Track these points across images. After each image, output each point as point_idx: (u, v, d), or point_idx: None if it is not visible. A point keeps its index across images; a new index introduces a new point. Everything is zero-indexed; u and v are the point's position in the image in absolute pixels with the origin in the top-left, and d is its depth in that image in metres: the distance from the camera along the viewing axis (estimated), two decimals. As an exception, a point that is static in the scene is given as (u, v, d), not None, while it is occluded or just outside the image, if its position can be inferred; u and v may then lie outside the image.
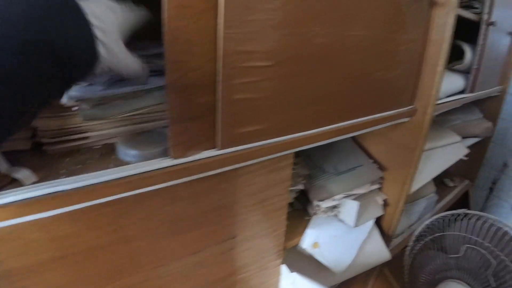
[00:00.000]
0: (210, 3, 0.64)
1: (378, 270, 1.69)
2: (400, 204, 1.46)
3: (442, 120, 2.10)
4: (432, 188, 2.01)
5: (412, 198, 1.87)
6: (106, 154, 0.72)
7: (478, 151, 2.37)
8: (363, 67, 1.01)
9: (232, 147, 0.77)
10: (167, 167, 0.69)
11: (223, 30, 0.66)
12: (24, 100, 0.46)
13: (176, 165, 0.70)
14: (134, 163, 0.68)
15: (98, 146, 0.76)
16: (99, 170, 0.64)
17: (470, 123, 2.16)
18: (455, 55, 1.69)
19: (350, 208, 1.29)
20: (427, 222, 1.50)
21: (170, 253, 0.84)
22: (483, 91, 1.86)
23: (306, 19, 0.79)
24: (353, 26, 0.92)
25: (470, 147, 2.03)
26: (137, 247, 0.76)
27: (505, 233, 1.37)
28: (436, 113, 1.33)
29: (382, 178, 1.48)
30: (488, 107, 2.28)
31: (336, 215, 1.35)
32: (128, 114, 0.73)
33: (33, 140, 0.70)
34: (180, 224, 0.82)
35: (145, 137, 0.76)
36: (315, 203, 1.28)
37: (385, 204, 1.51)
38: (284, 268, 1.21)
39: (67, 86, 0.55)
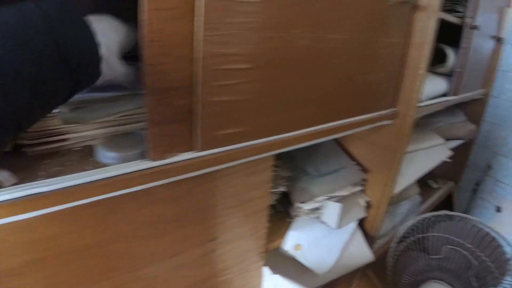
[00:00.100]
0: (188, 6, 0.64)
1: (362, 272, 1.71)
2: (383, 206, 1.48)
3: (426, 122, 2.13)
4: (416, 189, 2.04)
5: (396, 200, 1.89)
6: (85, 156, 0.73)
7: (462, 153, 2.40)
8: (344, 70, 1.02)
9: (211, 149, 0.78)
10: (145, 169, 0.69)
11: (203, 33, 0.66)
12: (36, 104, 0.49)
13: (155, 167, 0.71)
14: (113, 165, 0.68)
15: (78, 148, 0.76)
16: (78, 172, 0.65)
17: (453, 125, 2.19)
18: (439, 58, 1.71)
19: (332, 210, 1.31)
20: (409, 223, 1.52)
21: (150, 256, 0.85)
22: (466, 94, 1.88)
23: (287, 23, 0.80)
24: (334, 30, 0.93)
25: (454, 149, 2.06)
26: (116, 249, 0.77)
27: (486, 234, 1.39)
28: (418, 115, 1.35)
29: (364, 180, 1.50)
30: (471, 110, 2.31)
31: (318, 217, 1.36)
32: (107, 118, 0.74)
33: (13, 142, 0.70)
34: (160, 226, 0.82)
35: (125, 139, 0.77)
36: (297, 205, 1.29)
37: (368, 206, 1.53)
38: (266, 270, 1.22)
39: (70, 96, 0.58)
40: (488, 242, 1.37)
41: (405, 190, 1.66)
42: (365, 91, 1.15)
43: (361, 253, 1.49)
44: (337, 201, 1.33)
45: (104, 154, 0.71)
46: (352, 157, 1.54)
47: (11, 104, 0.44)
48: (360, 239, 1.49)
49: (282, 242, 1.27)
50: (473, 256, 1.37)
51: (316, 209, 1.34)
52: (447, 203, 2.51)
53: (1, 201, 0.56)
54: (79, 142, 0.76)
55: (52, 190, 0.60)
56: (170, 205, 0.81)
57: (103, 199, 0.66)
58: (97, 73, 0.59)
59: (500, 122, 2.61)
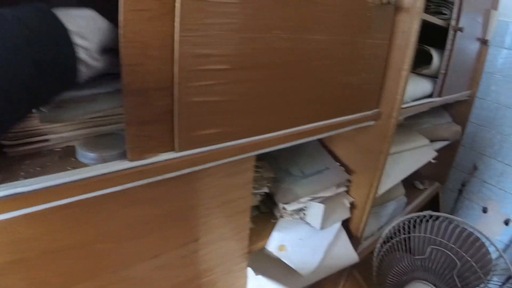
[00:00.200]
0: (167, 7, 0.65)
1: (348, 272, 1.72)
2: (368, 207, 1.49)
3: (412, 123, 2.15)
4: (402, 190, 2.06)
5: (381, 201, 1.91)
6: (65, 157, 0.73)
7: (448, 154, 2.42)
8: (326, 71, 1.04)
9: (190, 149, 0.79)
10: (124, 169, 0.70)
11: (179, 33, 0.67)
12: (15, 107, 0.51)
13: (134, 167, 0.71)
14: (93, 166, 0.69)
15: (59, 149, 0.77)
16: (58, 172, 0.65)
17: (439, 126, 2.21)
18: (424, 60, 1.73)
19: (315, 211, 1.32)
20: (393, 224, 1.53)
21: (130, 256, 0.85)
22: (452, 96, 1.90)
23: (266, 24, 0.82)
24: (316, 31, 0.94)
25: (439, 150, 2.08)
26: (97, 250, 0.78)
27: (470, 234, 1.40)
28: (402, 117, 1.37)
29: (349, 181, 1.51)
30: (457, 111, 2.34)
31: (302, 218, 1.37)
32: (86, 117, 0.75)
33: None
34: (141, 227, 0.83)
35: (105, 140, 0.78)
36: (281, 205, 1.31)
37: (353, 206, 1.54)
38: (249, 271, 1.23)
39: (47, 99, 0.60)
40: (472, 242, 1.38)
41: (390, 191, 1.68)
42: (348, 92, 1.16)
43: (346, 254, 1.50)
44: (321, 202, 1.34)
45: (85, 155, 0.72)
46: (336, 158, 1.55)
47: None
48: (344, 240, 1.51)
49: (266, 243, 1.28)
50: (457, 256, 1.38)
51: (300, 210, 1.35)
52: (433, 204, 2.53)
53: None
54: (60, 143, 0.77)
55: (33, 190, 0.60)
56: (151, 205, 0.82)
57: (84, 200, 0.67)
58: (73, 76, 0.61)
59: (485, 123, 2.65)
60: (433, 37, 1.65)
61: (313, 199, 1.35)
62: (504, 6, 2.12)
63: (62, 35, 0.56)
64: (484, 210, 2.78)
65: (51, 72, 0.54)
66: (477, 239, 1.39)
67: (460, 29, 1.58)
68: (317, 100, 1.05)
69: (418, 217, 1.51)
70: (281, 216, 1.34)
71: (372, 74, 1.23)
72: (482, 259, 1.35)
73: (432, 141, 2.08)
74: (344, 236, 1.52)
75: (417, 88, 1.62)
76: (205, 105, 0.77)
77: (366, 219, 1.54)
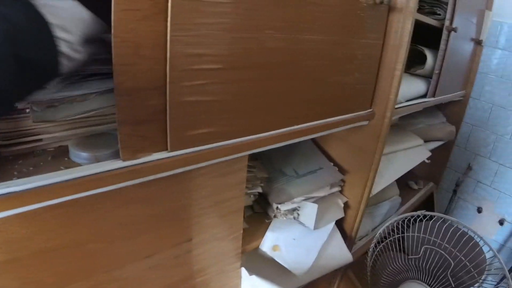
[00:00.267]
0: (159, 6, 0.66)
1: (342, 272, 1.73)
2: (362, 207, 1.50)
3: (406, 123, 2.16)
4: (396, 190, 2.07)
5: (375, 201, 1.92)
6: (58, 157, 0.74)
7: (442, 154, 2.44)
8: (320, 70, 1.04)
9: (182, 149, 0.79)
10: (116, 169, 0.71)
11: (171, 33, 0.68)
12: None
13: (126, 167, 0.72)
14: (86, 165, 0.70)
15: (51, 149, 0.77)
16: (51, 172, 0.66)
17: (433, 127, 2.22)
18: (419, 60, 1.74)
19: (309, 211, 1.33)
20: (387, 223, 1.54)
21: (124, 256, 0.86)
22: (446, 96, 1.91)
23: (258, 23, 0.82)
24: (308, 31, 0.95)
25: (434, 150, 2.10)
26: (90, 250, 0.78)
27: (464, 233, 1.40)
28: (396, 116, 1.38)
29: (342, 180, 1.52)
30: (451, 111, 2.35)
31: (296, 218, 1.38)
32: (78, 116, 0.76)
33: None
34: (133, 227, 0.83)
35: (98, 140, 0.78)
36: (275, 205, 1.31)
37: (346, 206, 1.55)
38: (243, 271, 1.23)
39: (31, 92, 0.60)
40: (466, 242, 1.38)
41: (384, 191, 1.69)
42: (341, 92, 1.17)
43: (340, 253, 1.51)
44: (315, 202, 1.35)
45: (77, 154, 0.72)
46: (330, 158, 1.56)
47: None
48: (338, 240, 1.52)
49: (260, 243, 1.29)
50: (451, 255, 1.38)
51: (294, 210, 1.36)
52: (427, 204, 2.55)
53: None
54: (53, 142, 0.78)
55: (26, 190, 0.61)
56: (144, 205, 0.82)
57: (77, 199, 0.67)
58: (55, 70, 0.61)
59: (480, 123, 2.67)
60: (427, 37, 1.67)
61: (306, 199, 1.36)
62: (498, 7, 2.14)
63: (43, 29, 0.57)
64: (479, 210, 2.80)
65: (33, 67, 0.54)
66: (471, 238, 1.39)
67: (454, 30, 1.59)
68: (310, 100, 1.06)
69: (412, 216, 1.51)
70: (275, 216, 1.35)
71: (366, 74, 1.24)
72: (476, 258, 1.35)
73: (426, 141, 2.09)
74: (338, 236, 1.52)
75: (411, 88, 1.63)
76: (198, 104, 0.78)
77: (360, 219, 1.55)
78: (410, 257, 1.47)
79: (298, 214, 1.37)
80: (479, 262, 1.35)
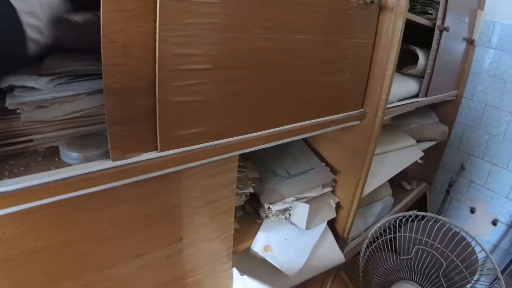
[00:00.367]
0: (147, 7, 0.66)
1: (335, 273, 1.74)
2: (354, 207, 1.52)
3: (399, 123, 2.18)
4: (389, 191, 2.09)
5: (368, 201, 1.94)
6: (49, 157, 0.75)
7: (435, 154, 2.46)
8: (310, 70, 1.05)
9: (172, 149, 0.80)
10: (106, 169, 0.71)
11: (159, 33, 0.69)
12: None
13: (116, 167, 0.73)
14: (75, 165, 0.71)
15: (42, 149, 0.79)
16: (41, 172, 0.67)
17: (426, 127, 2.24)
18: (411, 60, 1.76)
19: (301, 211, 1.34)
20: (379, 224, 1.55)
21: (115, 256, 0.86)
22: (438, 96, 1.93)
23: (247, 23, 0.83)
24: (298, 30, 0.96)
25: (426, 150, 2.11)
26: (81, 249, 0.79)
27: (456, 233, 1.41)
28: (387, 116, 1.39)
29: (334, 181, 1.54)
30: (444, 111, 2.37)
31: (287, 218, 1.39)
32: (68, 117, 0.77)
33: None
34: (124, 227, 0.84)
35: (88, 140, 0.80)
36: (266, 206, 1.33)
37: (338, 207, 1.56)
38: (235, 271, 1.24)
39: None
40: (458, 242, 1.39)
41: (377, 191, 1.71)
42: (332, 92, 1.18)
43: (332, 254, 1.52)
44: (306, 202, 1.37)
45: (68, 155, 0.73)
46: (322, 158, 1.57)
47: None
48: (330, 240, 1.53)
49: (252, 243, 1.30)
50: (442, 256, 1.39)
51: (285, 210, 1.37)
52: (420, 204, 2.56)
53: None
54: (44, 143, 0.79)
55: (16, 189, 0.62)
56: (134, 205, 0.83)
57: (68, 199, 0.68)
58: (23, 55, 0.62)
59: (473, 123, 2.69)
60: (419, 37, 1.68)
61: (298, 199, 1.37)
62: (490, 6, 2.16)
63: (11, 16, 0.58)
64: (472, 211, 2.82)
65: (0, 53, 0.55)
66: (463, 238, 1.40)
67: (446, 29, 1.60)
68: (301, 99, 1.07)
69: (404, 217, 1.52)
70: (267, 216, 1.36)
71: (357, 74, 1.25)
72: (468, 258, 1.36)
73: (419, 141, 2.11)
74: (330, 236, 1.54)
75: (403, 88, 1.64)
76: (187, 104, 0.79)
77: (352, 220, 1.57)
78: (402, 257, 1.48)
79: (290, 214, 1.38)
80: (471, 262, 1.36)
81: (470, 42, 2.11)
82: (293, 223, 1.39)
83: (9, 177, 0.64)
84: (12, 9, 0.58)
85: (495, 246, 2.72)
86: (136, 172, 0.76)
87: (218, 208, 1.04)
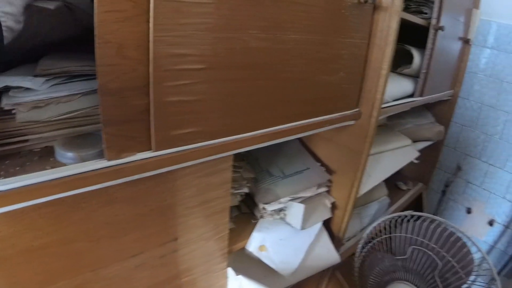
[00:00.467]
0: (141, 7, 0.68)
1: (330, 273, 1.75)
2: (349, 207, 1.53)
3: (394, 123, 2.19)
4: (384, 191, 2.10)
5: (364, 201, 1.96)
6: (44, 157, 0.76)
7: (431, 155, 2.48)
8: (304, 70, 1.07)
9: (167, 149, 0.81)
10: (101, 168, 0.73)
11: (153, 34, 0.70)
12: None
13: (111, 166, 0.74)
14: (71, 165, 0.72)
15: (38, 149, 0.80)
16: (37, 172, 0.68)
17: (422, 126, 2.25)
18: (406, 59, 1.77)
19: (296, 211, 1.35)
20: (375, 224, 1.56)
21: (110, 255, 0.88)
22: (433, 95, 1.94)
23: (241, 23, 0.84)
24: (292, 30, 0.97)
25: (423, 150, 2.13)
26: (76, 248, 0.80)
27: (451, 234, 1.41)
28: (383, 116, 1.40)
29: (330, 181, 1.55)
30: (440, 111, 2.39)
31: (282, 218, 1.40)
32: (64, 117, 0.78)
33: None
34: (119, 226, 0.86)
35: (84, 140, 0.81)
36: (261, 206, 1.34)
37: (334, 207, 1.58)
38: (230, 271, 1.26)
39: None
40: (454, 242, 1.39)
41: (372, 191, 1.72)
42: (327, 92, 1.19)
43: (327, 254, 1.53)
44: (301, 202, 1.38)
45: (63, 154, 0.75)
46: (317, 158, 1.59)
47: None
48: (326, 240, 1.54)
49: (247, 243, 1.31)
50: (438, 256, 1.40)
51: (281, 210, 1.39)
52: (417, 205, 2.58)
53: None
54: (39, 143, 0.80)
55: (12, 189, 0.63)
56: (129, 204, 0.85)
57: (63, 198, 0.70)
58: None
59: (469, 123, 2.70)
60: (414, 37, 1.69)
61: (293, 199, 1.39)
62: (486, 5, 2.17)
63: None
64: (469, 211, 2.82)
65: None
66: (459, 239, 1.41)
67: (441, 28, 1.62)
68: (295, 99, 1.08)
69: (399, 217, 1.53)
70: (262, 216, 1.38)
71: (351, 74, 1.26)
72: (463, 259, 1.37)
73: (415, 141, 2.12)
74: (325, 237, 1.55)
75: (398, 87, 1.65)
76: (182, 104, 0.80)
77: (348, 220, 1.58)
78: (397, 257, 1.49)
79: (285, 215, 1.40)
80: (467, 263, 1.37)
81: (466, 41, 2.12)
82: (288, 223, 1.40)
83: (5, 177, 0.65)
84: None
85: (492, 247, 2.72)
86: (130, 172, 0.77)
87: (213, 208, 1.05)
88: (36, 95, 0.74)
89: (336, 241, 1.61)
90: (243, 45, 0.87)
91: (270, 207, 1.33)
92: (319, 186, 1.49)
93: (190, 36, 0.76)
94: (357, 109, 1.36)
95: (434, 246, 1.42)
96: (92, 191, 0.74)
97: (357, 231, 1.88)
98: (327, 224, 1.59)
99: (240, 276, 1.24)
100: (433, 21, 1.61)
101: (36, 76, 0.75)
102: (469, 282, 1.39)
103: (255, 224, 1.37)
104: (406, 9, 1.63)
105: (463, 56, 2.22)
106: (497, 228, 2.70)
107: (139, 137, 0.77)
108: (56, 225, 0.74)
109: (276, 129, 1.05)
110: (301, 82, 1.08)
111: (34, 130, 0.77)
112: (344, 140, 1.46)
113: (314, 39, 1.05)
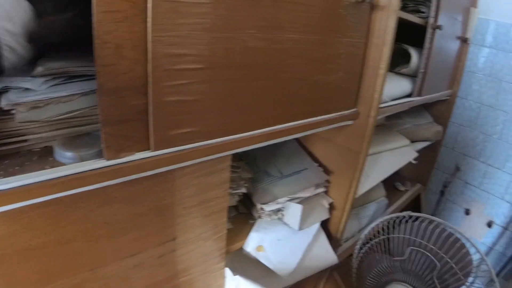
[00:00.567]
0: (139, 7, 0.69)
1: (328, 274, 1.76)
2: (347, 208, 1.54)
3: (392, 124, 2.20)
4: (382, 192, 2.11)
5: (362, 202, 1.97)
6: (44, 156, 0.77)
7: (429, 155, 2.49)
8: (302, 70, 1.08)
9: (165, 148, 0.82)
10: (100, 168, 0.74)
11: (151, 34, 0.71)
12: None
13: (109, 166, 0.75)
14: (70, 164, 0.73)
15: (37, 149, 0.81)
16: (36, 171, 0.69)
17: (420, 127, 2.26)
18: (404, 59, 1.78)
19: (293, 211, 1.36)
20: (373, 225, 1.56)
21: (108, 255, 0.89)
22: (432, 95, 1.96)
23: (239, 23, 0.86)
24: (289, 30, 0.98)
25: (421, 151, 2.14)
26: (75, 248, 0.81)
27: (450, 234, 1.42)
28: (381, 116, 1.41)
29: (328, 181, 1.56)
30: (438, 111, 2.40)
31: (280, 219, 1.42)
32: (63, 117, 0.79)
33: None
34: (117, 225, 0.87)
35: (83, 140, 0.82)
36: (259, 206, 1.35)
37: (332, 207, 1.59)
38: (227, 271, 1.27)
39: None
40: (452, 243, 1.40)
41: (370, 192, 1.73)
42: (324, 92, 1.20)
43: (325, 255, 1.54)
44: (299, 203, 1.39)
45: (62, 154, 0.76)
46: (315, 159, 1.60)
47: None
48: (324, 241, 1.55)
49: (244, 244, 1.32)
50: (436, 257, 1.40)
51: (278, 210, 1.40)
52: (415, 205, 2.59)
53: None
54: (39, 143, 0.81)
55: (11, 188, 0.64)
56: (127, 204, 0.86)
57: (62, 198, 0.71)
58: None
59: (468, 123, 2.71)
60: (412, 36, 1.70)
61: (291, 200, 1.40)
62: (484, 4, 2.18)
63: None
64: (467, 212, 2.82)
65: None
66: (457, 240, 1.42)
67: (439, 27, 1.63)
68: (294, 99, 1.10)
69: (397, 217, 1.54)
70: (259, 217, 1.39)
71: (349, 73, 1.28)
72: (462, 260, 1.38)
73: (413, 141, 2.13)
74: (323, 237, 1.56)
75: (396, 87, 1.66)
76: (180, 104, 0.81)
77: (346, 220, 1.59)
78: (395, 258, 1.49)
79: (283, 215, 1.41)
80: (465, 264, 1.38)
81: (464, 40, 2.13)
82: (286, 224, 1.41)
83: (4, 176, 0.66)
84: None
85: (490, 248, 2.73)
86: (129, 172, 0.78)
87: (211, 207, 1.06)
88: (36, 95, 0.75)
89: (334, 241, 1.62)
90: (241, 45, 0.88)
91: (268, 208, 1.34)
92: (317, 186, 1.50)
93: (188, 36, 0.77)
94: (355, 109, 1.37)
95: (433, 247, 1.42)
96: (91, 190, 0.75)
97: (355, 231, 1.88)
98: (325, 224, 1.60)
99: (237, 276, 1.25)
100: (431, 20, 1.62)
101: (35, 76, 0.76)
102: (467, 283, 1.39)
103: (253, 224, 1.38)
104: (403, 8, 1.64)
105: (461, 55, 2.23)
106: (496, 229, 2.70)
107: (138, 137, 0.78)
108: (54, 224, 0.75)
109: (274, 129, 1.06)
110: (299, 82, 1.09)
111: (34, 130, 0.78)
112: (342, 140, 1.47)
113: (312, 38, 1.06)
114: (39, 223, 0.73)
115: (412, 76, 1.80)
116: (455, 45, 2.09)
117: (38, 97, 0.75)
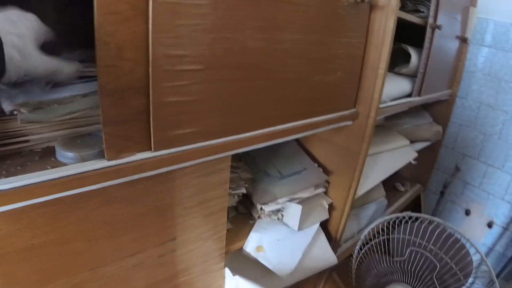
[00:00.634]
0: (140, 8, 0.69)
1: (327, 274, 1.77)
2: (347, 208, 1.55)
3: (392, 124, 2.21)
4: (382, 192, 2.12)
5: (361, 202, 1.97)
6: (45, 157, 0.78)
7: (429, 155, 2.49)
8: (300, 70, 1.08)
9: (166, 149, 0.83)
10: (101, 168, 0.75)
11: (151, 35, 0.71)
12: None
13: (110, 166, 0.76)
14: (71, 165, 0.74)
15: (39, 149, 0.82)
16: (37, 171, 0.70)
17: (420, 127, 2.27)
18: (404, 59, 1.79)
19: (293, 212, 1.37)
20: (372, 225, 1.57)
21: (108, 255, 0.90)
22: (431, 95, 1.96)
23: (238, 24, 0.86)
24: (288, 30, 0.99)
25: (420, 151, 2.15)
26: (75, 247, 0.82)
27: (450, 235, 1.42)
28: (380, 116, 1.42)
29: (327, 181, 1.57)
30: (438, 111, 2.40)
31: (280, 219, 1.42)
32: (65, 118, 0.79)
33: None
34: (118, 225, 0.87)
35: (84, 140, 0.83)
36: (259, 206, 1.36)
37: (331, 208, 1.59)
38: (227, 271, 1.28)
39: None
40: (452, 244, 1.41)
41: (370, 192, 1.74)
42: (324, 92, 1.21)
43: (325, 255, 1.55)
44: (299, 203, 1.39)
45: (64, 154, 0.77)
46: (314, 159, 1.61)
47: None
48: (323, 241, 1.56)
49: (244, 244, 1.33)
50: (436, 258, 1.41)
51: (278, 210, 1.40)
52: (415, 206, 2.59)
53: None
54: (40, 143, 0.82)
55: (12, 188, 0.65)
56: (128, 204, 0.86)
57: (62, 198, 0.72)
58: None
59: (467, 123, 2.72)
60: (412, 36, 1.71)
61: (291, 200, 1.40)
62: (483, 3, 2.18)
63: None
64: (467, 213, 2.83)
65: None
66: (457, 240, 1.42)
67: (438, 27, 1.63)
68: (293, 99, 1.10)
69: (397, 218, 1.54)
70: (259, 217, 1.39)
71: (348, 74, 1.28)
72: (462, 261, 1.39)
73: (412, 141, 2.14)
74: (322, 238, 1.57)
75: (396, 87, 1.67)
76: (181, 105, 0.82)
77: (345, 221, 1.60)
78: (395, 259, 1.50)
79: (282, 215, 1.41)
80: (465, 265, 1.38)
81: (463, 40, 2.13)
82: (285, 224, 1.41)
83: (6, 176, 0.67)
84: None
85: (490, 249, 2.74)
86: (130, 172, 0.79)
87: (211, 208, 1.07)
88: (38, 96, 0.76)
89: (334, 242, 1.63)
90: (241, 46, 0.89)
91: (267, 208, 1.35)
92: (317, 187, 1.51)
93: (188, 37, 0.77)
94: (354, 109, 1.37)
95: (433, 247, 1.43)
96: (91, 191, 0.75)
97: (354, 232, 1.89)
98: (324, 225, 1.61)
99: (237, 277, 1.26)
100: (430, 20, 1.62)
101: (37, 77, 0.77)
102: (467, 284, 1.40)
103: (252, 224, 1.38)
104: (402, 8, 1.64)
105: (460, 55, 2.23)
106: (496, 230, 2.71)
107: (138, 137, 0.79)
108: (55, 224, 0.76)
109: (274, 129, 1.07)
110: (299, 82, 1.09)
111: (35, 131, 0.79)
112: (342, 141, 1.47)
113: (311, 39, 1.07)
114: (40, 222, 0.74)
115: (412, 76, 1.80)
116: (454, 44, 2.10)
117: (41, 98, 0.76)
